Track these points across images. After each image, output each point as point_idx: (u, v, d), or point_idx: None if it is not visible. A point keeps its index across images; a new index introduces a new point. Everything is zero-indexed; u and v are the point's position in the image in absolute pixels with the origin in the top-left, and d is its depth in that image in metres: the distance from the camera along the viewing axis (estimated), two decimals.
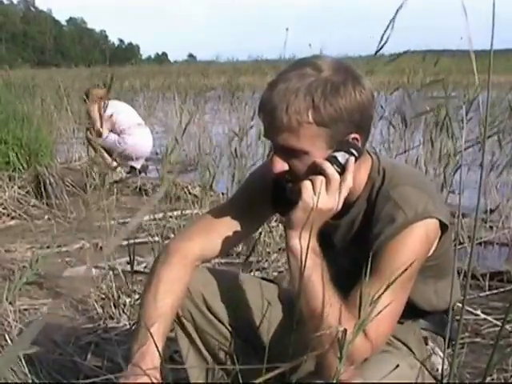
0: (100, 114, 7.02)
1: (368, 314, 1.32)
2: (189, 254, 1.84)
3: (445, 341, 1.71)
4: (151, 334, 1.64)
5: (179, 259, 1.83)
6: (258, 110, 1.64)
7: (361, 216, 1.73)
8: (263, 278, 2.13)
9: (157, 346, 1.65)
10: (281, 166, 1.62)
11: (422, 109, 4.80)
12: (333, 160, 1.57)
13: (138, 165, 7.17)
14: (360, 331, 1.34)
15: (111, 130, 7.12)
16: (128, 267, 2.96)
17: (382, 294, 1.39)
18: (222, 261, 3.97)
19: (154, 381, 1.66)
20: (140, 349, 1.70)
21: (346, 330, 1.29)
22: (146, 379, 1.64)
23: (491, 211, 4.88)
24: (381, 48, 1.81)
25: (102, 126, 7.06)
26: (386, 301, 1.45)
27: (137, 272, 3.67)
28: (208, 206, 4.76)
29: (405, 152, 5.18)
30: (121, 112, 7.16)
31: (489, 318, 3.14)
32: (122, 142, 7.03)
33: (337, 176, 1.56)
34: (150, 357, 1.68)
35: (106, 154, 6.93)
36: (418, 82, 7.10)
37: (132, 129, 7.12)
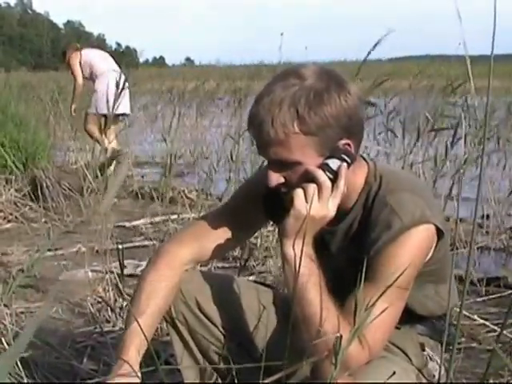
0: (80, 64, 7.32)
1: (363, 321, 1.32)
2: (177, 258, 1.85)
3: (441, 346, 1.71)
4: (142, 330, 1.64)
5: (167, 262, 1.84)
6: (247, 126, 1.64)
7: (357, 221, 1.73)
8: (258, 283, 2.13)
9: (147, 340, 1.67)
10: (276, 179, 1.61)
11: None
12: (325, 167, 1.57)
13: (103, 110, 6.68)
14: (355, 338, 1.33)
15: (89, 78, 7.34)
16: (125, 271, 2.95)
17: (378, 300, 1.39)
18: (219, 265, 3.96)
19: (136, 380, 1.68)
20: (120, 355, 1.73)
21: (341, 337, 1.29)
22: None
23: (487, 216, 4.89)
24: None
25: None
26: (383, 307, 1.45)
27: (133, 276, 3.66)
28: (205, 210, 4.75)
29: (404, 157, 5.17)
30: (95, 57, 7.41)
31: (486, 323, 3.13)
32: (97, 88, 7.13)
33: (328, 183, 1.56)
34: (127, 363, 1.70)
35: (96, 134, 7.05)
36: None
37: (106, 74, 7.13)
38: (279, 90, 1.55)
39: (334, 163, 1.58)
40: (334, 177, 1.58)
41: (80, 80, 7.43)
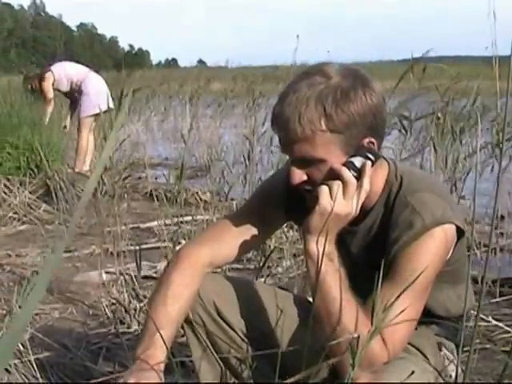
0: (52, 84, 7.15)
1: (382, 320, 1.32)
2: (199, 260, 1.84)
3: (457, 347, 1.71)
4: (162, 337, 1.63)
5: (189, 265, 1.83)
6: (271, 124, 1.64)
7: (378, 221, 1.73)
8: (278, 287, 2.13)
9: (167, 348, 1.65)
10: (299, 176, 1.62)
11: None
12: (349, 165, 1.58)
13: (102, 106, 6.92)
14: (374, 336, 1.33)
15: (70, 92, 7.22)
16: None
17: (397, 299, 1.39)
18: (233, 266, 3.96)
19: (158, 380, 1.66)
20: (145, 352, 1.69)
21: (358, 337, 1.29)
22: (149, 378, 1.64)
23: (502, 217, 4.86)
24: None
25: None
26: (404, 307, 1.46)
27: (148, 277, 3.67)
28: (219, 212, 4.76)
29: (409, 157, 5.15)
30: (67, 67, 7.27)
31: (500, 324, 3.13)
32: (86, 91, 7.02)
33: (353, 180, 1.56)
34: (153, 361, 1.67)
35: (84, 140, 7.12)
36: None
37: (84, 75, 7.14)
38: (305, 88, 1.56)
39: (358, 161, 1.59)
40: (358, 175, 1.58)
41: (52, 102, 7.28)
